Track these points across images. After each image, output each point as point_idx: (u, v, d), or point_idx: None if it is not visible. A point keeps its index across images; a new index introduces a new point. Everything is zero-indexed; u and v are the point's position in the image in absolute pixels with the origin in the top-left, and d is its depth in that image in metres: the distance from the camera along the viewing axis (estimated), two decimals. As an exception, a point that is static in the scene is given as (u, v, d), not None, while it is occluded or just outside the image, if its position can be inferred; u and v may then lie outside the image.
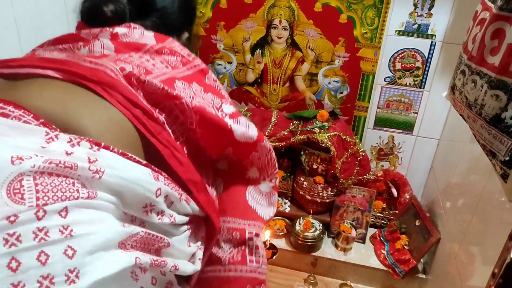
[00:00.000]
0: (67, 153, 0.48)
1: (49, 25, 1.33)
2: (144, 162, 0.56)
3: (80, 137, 0.51)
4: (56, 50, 0.67)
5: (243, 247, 0.73)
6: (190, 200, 0.63)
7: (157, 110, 0.62)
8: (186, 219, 0.64)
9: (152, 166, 0.57)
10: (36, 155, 0.46)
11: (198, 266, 0.68)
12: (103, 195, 0.50)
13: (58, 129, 0.51)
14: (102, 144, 0.52)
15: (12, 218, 0.41)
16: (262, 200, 0.80)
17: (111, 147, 0.53)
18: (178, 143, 0.64)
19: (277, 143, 1.71)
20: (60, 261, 0.43)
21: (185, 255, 0.66)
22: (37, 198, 0.44)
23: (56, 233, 0.44)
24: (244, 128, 0.69)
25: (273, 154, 0.79)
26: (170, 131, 0.63)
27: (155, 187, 0.55)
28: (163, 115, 0.62)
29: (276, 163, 0.81)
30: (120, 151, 0.54)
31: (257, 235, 0.74)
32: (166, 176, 0.59)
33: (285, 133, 1.71)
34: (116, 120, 0.57)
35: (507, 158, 0.73)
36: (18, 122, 0.49)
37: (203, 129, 0.65)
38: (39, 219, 0.43)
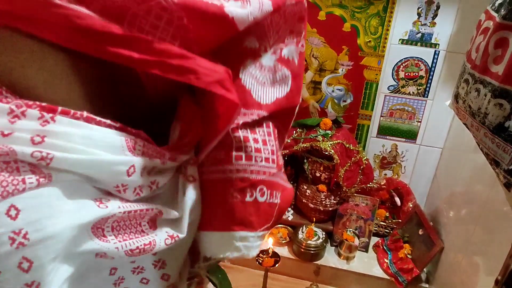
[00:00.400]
0: (3, 134, 0.37)
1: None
2: (118, 125, 0.45)
3: (28, 103, 0.38)
4: None
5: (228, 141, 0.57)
6: (176, 156, 0.54)
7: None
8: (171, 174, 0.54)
9: (129, 129, 0.46)
10: None
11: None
12: (61, 175, 0.40)
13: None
14: (59, 109, 0.40)
15: None
16: (262, 76, 0.60)
17: (72, 112, 0.41)
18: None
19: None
20: (15, 276, 0.36)
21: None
22: None
23: (5, 243, 0.35)
24: (257, 7, 0.52)
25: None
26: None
27: (126, 166, 0.45)
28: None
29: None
30: (86, 114, 0.42)
31: (245, 124, 0.58)
32: (145, 137, 0.49)
33: (288, 141, 1.72)
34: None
35: (511, 167, 0.73)
36: None
37: (197, 26, 0.47)
38: None
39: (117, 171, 0.44)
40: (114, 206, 0.45)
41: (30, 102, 0.39)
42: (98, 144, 0.42)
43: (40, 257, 0.37)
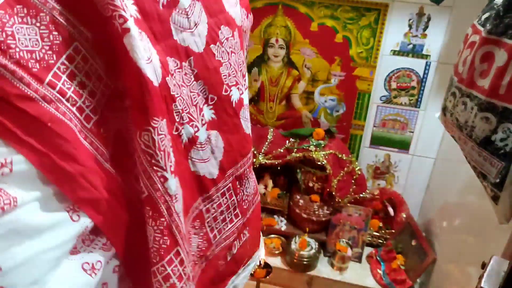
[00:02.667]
0: None
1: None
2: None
3: None
4: None
5: None
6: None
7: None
8: None
9: None
10: None
11: None
12: (25, 195, 0.40)
13: None
14: None
15: None
16: None
17: None
18: None
19: (273, 161, 1.71)
20: None
21: None
22: None
23: None
24: None
25: None
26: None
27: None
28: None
29: None
30: None
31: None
32: None
33: (281, 150, 1.72)
34: None
35: (498, 180, 0.73)
36: None
37: None
38: None
39: None
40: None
41: None
42: None
43: (15, 284, 0.37)
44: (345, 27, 1.63)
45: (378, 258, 1.71)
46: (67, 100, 0.46)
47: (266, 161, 1.72)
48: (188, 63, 0.62)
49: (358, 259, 1.73)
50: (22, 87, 0.41)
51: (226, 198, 0.78)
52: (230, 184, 0.78)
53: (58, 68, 0.45)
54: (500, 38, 0.73)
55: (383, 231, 1.78)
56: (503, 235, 0.95)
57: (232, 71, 0.72)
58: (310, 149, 1.67)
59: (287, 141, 1.75)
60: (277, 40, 1.72)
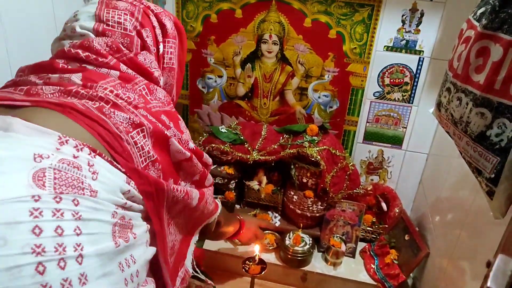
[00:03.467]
0: (74, 156, 0.59)
1: (37, 36, 1.32)
2: (123, 169, 0.67)
3: (83, 143, 0.62)
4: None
5: None
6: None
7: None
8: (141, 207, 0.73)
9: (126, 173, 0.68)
10: (53, 154, 0.57)
11: None
12: (101, 194, 0.60)
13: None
14: (97, 151, 0.63)
15: (36, 197, 0.52)
16: None
17: (103, 155, 0.64)
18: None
19: (267, 157, 1.71)
20: (70, 236, 0.53)
21: None
22: (54, 188, 0.54)
23: (69, 215, 0.54)
24: None
25: None
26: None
27: (127, 188, 0.66)
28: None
29: None
30: (108, 158, 0.65)
31: None
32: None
33: (275, 147, 1.72)
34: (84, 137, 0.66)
35: (493, 176, 0.73)
36: (36, 125, 0.61)
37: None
38: (57, 202, 0.54)
39: (121, 187, 0.68)
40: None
41: (84, 143, 0.64)
42: (114, 173, 0.67)
43: (87, 226, 0.57)
44: (338, 23, 1.63)
45: (371, 253, 1.72)
46: None
47: (260, 157, 1.71)
48: None
49: (352, 254, 1.74)
50: None
51: None
52: None
53: None
54: (495, 33, 0.73)
55: (376, 226, 1.79)
56: (495, 230, 0.96)
57: None
58: (304, 145, 1.67)
59: (281, 137, 1.75)
60: (270, 36, 1.71)
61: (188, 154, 0.82)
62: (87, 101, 0.71)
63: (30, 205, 0.51)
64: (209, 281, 1.14)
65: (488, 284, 0.45)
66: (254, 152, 1.73)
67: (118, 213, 0.62)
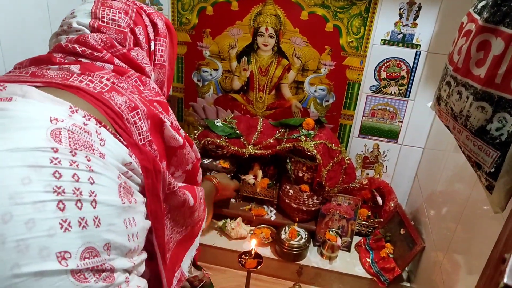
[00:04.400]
0: (84, 124, 0.65)
1: (31, 30, 1.30)
2: (125, 142, 0.71)
3: (90, 115, 0.67)
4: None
5: None
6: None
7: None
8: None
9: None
10: (66, 119, 0.63)
11: None
12: (108, 158, 0.65)
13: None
14: (103, 123, 0.68)
15: (55, 149, 0.58)
16: None
17: (107, 127, 0.69)
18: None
19: (263, 151, 1.71)
20: (86, 183, 0.59)
21: None
22: (69, 144, 0.60)
23: (83, 167, 0.60)
24: None
25: None
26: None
27: (129, 160, 0.70)
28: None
29: None
30: (112, 131, 0.70)
31: None
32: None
33: (271, 141, 1.71)
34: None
35: (492, 170, 0.73)
36: (49, 94, 0.66)
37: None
38: (73, 155, 0.59)
39: (124, 159, 0.72)
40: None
41: (91, 114, 0.69)
42: (118, 145, 0.71)
43: (98, 178, 0.62)
44: (335, 16, 1.62)
45: (367, 247, 1.72)
46: None
47: (256, 151, 1.71)
48: None
49: (347, 248, 1.74)
50: None
51: None
52: None
53: None
54: (497, 27, 0.73)
55: (372, 220, 1.80)
56: (491, 224, 0.97)
57: None
58: (300, 139, 1.66)
59: (277, 131, 1.74)
60: (266, 29, 1.70)
61: (181, 140, 0.87)
62: (89, 84, 0.76)
63: (50, 154, 0.57)
64: (205, 271, 1.15)
65: (505, 280, 0.45)
66: (249, 146, 1.72)
67: (122, 177, 0.67)
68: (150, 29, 0.98)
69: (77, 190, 0.57)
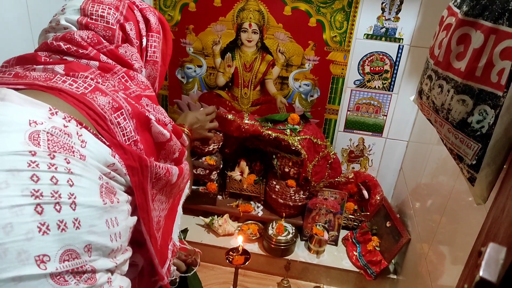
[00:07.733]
0: (64, 126, 0.64)
1: (9, 27, 1.27)
2: (108, 143, 0.71)
3: (71, 116, 0.67)
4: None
5: None
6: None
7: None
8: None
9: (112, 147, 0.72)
10: (46, 122, 0.62)
11: None
12: (89, 160, 0.65)
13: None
14: (84, 125, 0.68)
15: (32, 152, 0.57)
16: None
17: (89, 128, 0.69)
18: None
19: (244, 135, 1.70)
20: (64, 186, 0.59)
21: None
22: (48, 147, 0.60)
23: (62, 169, 0.59)
24: None
25: None
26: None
27: (111, 161, 0.69)
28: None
29: None
30: (94, 132, 0.69)
31: None
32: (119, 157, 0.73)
33: (253, 122, 1.70)
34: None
35: (474, 162, 0.74)
36: (28, 97, 0.65)
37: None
38: (51, 158, 0.59)
39: (107, 161, 0.70)
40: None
41: (71, 116, 0.67)
42: (100, 145, 0.70)
43: (78, 180, 0.62)
44: (318, 11, 1.62)
45: (353, 240, 1.73)
46: None
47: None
48: None
49: (335, 242, 1.75)
50: None
51: None
52: None
53: None
54: (476, 20, 0.74)
55: (358, 214, 1.81)
56: (474, 215, 0.98)
57: None
58: (285, 132, 1.66)
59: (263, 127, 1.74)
60: (250, 25, 1.69)
61: (168, 135, 0.86)
62: (72, 84, 0.76)
63: (27, 158, 0.57)
64: (196, 250, 1.15)
65: (481, 274, 0.45)
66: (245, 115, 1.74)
67: (103, 178, 0.67)
68: (142, 25, 0.96)
69: (55, 193, 0.58)
